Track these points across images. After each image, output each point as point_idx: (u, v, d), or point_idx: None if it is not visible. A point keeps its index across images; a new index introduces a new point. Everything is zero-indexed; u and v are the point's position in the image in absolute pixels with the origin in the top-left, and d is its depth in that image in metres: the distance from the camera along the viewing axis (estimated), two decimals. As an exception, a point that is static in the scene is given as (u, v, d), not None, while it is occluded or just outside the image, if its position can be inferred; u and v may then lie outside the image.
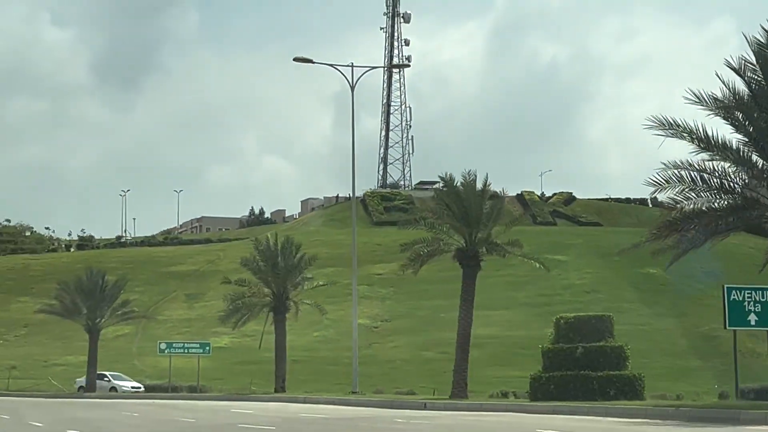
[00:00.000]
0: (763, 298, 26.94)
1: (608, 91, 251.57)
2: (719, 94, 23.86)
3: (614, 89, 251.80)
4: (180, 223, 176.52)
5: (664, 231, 23.97)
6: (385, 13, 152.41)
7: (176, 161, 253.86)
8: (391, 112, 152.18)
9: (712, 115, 23.70)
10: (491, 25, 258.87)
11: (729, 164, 23.91)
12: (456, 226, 38.51)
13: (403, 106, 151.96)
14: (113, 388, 61.39)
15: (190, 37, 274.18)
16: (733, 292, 26.91)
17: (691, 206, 23.88)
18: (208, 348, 62.14)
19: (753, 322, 27.34)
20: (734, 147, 23.90)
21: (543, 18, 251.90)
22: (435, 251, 39.13)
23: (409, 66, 50.32)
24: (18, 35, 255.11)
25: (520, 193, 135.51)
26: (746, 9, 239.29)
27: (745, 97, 23.64)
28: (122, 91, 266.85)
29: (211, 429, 24.90)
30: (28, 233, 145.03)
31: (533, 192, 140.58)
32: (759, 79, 23.61)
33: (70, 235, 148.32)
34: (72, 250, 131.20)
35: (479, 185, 38.84)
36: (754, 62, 23.53)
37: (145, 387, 62.04)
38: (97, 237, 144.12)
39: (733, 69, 23.64)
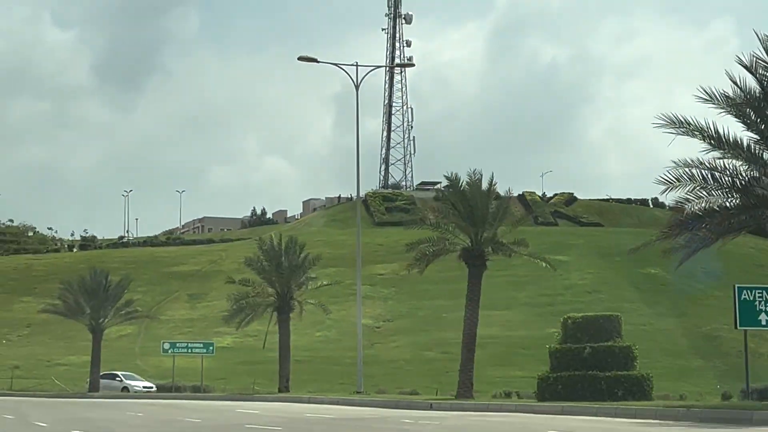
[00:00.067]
0: (774, 297, 26.70)
1: (608, 92, 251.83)
2: (729, 93, 23.66)
3: (614, 90, 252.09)
4: (182, 223, 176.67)
5: (675, 230, 23.76)
6: (386, 14, 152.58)
7: (178, 162, 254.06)
8: (393, 112, 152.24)
9: (724, 113, 23.52)
10: (491, 26, 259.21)
11: (741, 162, 23.70)
12: (462, 225, 38.33)
13: (404, 107, 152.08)
14: (125, 388, 60.77)
15: (192, 38, 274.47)
16: (744, 291, 26.70)
17: (703, 205, 23.67)
18: (211, 348, 62.01)
19: (764, 322, 27.15)
20: (745, 145, 23.70)
21: (543, 19, 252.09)
22: (441, 251, 38.95)
23: (413, 65, 50.34)
24: (20, 36, 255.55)
25: (521, 193, 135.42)
26: (746, 10, 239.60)
27: (757, 94, 23.43)
28: (124, 92, 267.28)
29: (218, 429, 24.71)
30: (30, 233, 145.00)
31: (534, 192, 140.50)
32: (771, 76, 23.38)
33: (72, 235, 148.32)
34: (74, 250, 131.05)
35: (485, 185, 38.67)
36: (766, 59, 23.30)
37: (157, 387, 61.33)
38: (99, 237, 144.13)
39: (745, 66, 23.42)
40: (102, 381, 62.38)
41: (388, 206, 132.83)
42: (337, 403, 40.33)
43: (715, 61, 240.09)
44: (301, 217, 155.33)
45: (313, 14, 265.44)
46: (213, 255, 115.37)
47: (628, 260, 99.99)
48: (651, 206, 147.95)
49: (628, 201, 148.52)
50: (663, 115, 23.63)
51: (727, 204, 23.61)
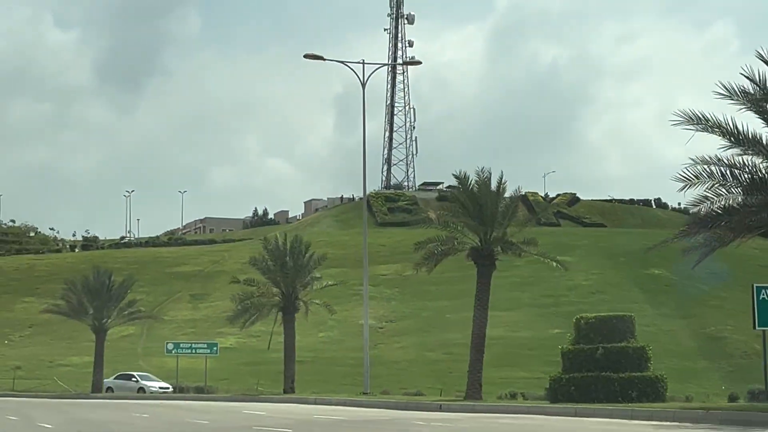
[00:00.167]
0: (793, 297, 26.21)
1: (608, 93, 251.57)
2: (748, 88, 23.22)
3: (614, 91, 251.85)
4: (183, 223, 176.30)
5: (694, 228, 23.31)
6: (389, 15, 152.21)
7: (179, 162, 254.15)
8: (395, 113, 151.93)
9: (744, 109, 23.07)
10: (492, 28, 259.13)
11: (761, 159, 23.27)
12: (471, 224, 37.92)
13: (406, 107, 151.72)
14: (141, 389, 59.80)
15: (193, 39, 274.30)
16: (763, 291, 26.21)
17: (722, 203, 23.22)
18: (215, 348, 61.55)
19: (783, 322, 26.59)
20: (765, 141, 23.25)
21: (543, 21, 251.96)
22: (449, 250, 38.55)
23: (420, 63, 50.03)
24: (21, 36, 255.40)
25: (523, 193, 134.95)
26: (746, 12, 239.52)
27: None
28: (125, 93, 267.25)
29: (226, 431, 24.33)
30: (32, 234, 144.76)
31: (537, 193, 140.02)
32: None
33: (74, 235, 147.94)
34: (76, 250, 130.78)
35: (494, 184, 38.27)
36: (788, 55, 22.87)
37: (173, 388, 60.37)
38: (101, 238, 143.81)
39: (765, 61, 22.99)
40: (117, 382, 61.65)
41: (390, 207, 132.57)
42: (344, 404, 39.92)
43: (716, 62, 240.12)
44: (302, 217, 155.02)
45: (314, 15, 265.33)
46: (215, 255, 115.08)
47: (633, 261, 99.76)
48: (654, 207, 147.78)
49: (631, 201, 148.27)
50: (680, 111, 23.26)
51: (748, 201, 23.15)
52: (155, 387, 59.93)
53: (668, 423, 22.94)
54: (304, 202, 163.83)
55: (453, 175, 38.47)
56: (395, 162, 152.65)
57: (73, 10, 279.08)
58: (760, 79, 23.12)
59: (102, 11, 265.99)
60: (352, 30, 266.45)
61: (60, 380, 69.37)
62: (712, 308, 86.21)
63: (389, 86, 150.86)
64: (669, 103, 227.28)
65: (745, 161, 23.37)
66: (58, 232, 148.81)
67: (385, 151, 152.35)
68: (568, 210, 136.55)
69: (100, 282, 63.50)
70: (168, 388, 59.66)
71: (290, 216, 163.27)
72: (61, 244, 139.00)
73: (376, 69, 52.03)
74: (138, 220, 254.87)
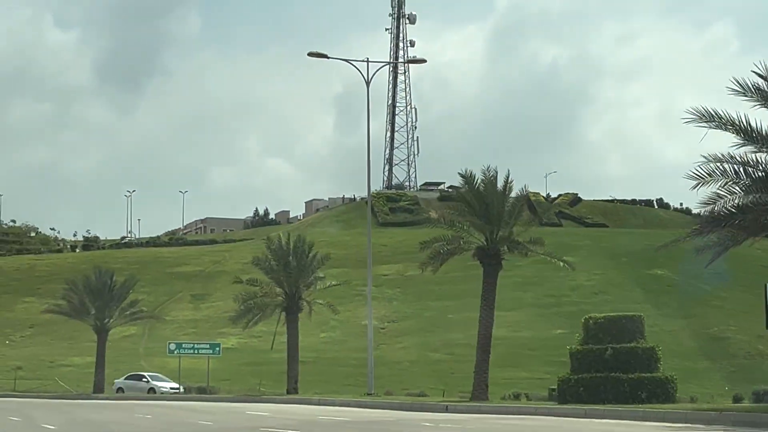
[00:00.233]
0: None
1: (609, 93, 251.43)
2: (762, 85, 22.88)
3: (614, 92, 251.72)
4: (184, 223, 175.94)
5: (707, 226, 22.95)
6: (390, 14, 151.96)
7: (179, 162, 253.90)
8: (396, 113, 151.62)
9: (758, 106, 22.72)
10: (492, 28, 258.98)
11: (775, 157, 22.94)
12: (477, 224, 37.59)
13: (408, 107, 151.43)
14: (152, 389, 58.97)
15: (193, 39, 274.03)
16: (774, 290, 25.88)
17: (736, 201, 22.85)
18: (218, 349, 61.22)
19: (795, 322, 26.23)
20: (779, 139, 22.93)
21: (543, 21, 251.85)
22: (455, 249, 38.21)
23: (425, 61, 49.70)
24: (21, 37, 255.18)
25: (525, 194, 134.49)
26: (746, 12, 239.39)
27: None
28: (125, 93, 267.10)
29: (233, 433, 24.03)
30: (33, 234, 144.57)
31: (538, 193, 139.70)
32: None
33: (75, 235, 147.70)
34: (77, 250, 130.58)
35: (500, 183, 37.95)
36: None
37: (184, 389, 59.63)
38: (102, 238, 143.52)
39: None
40: (128, 382, 60.90)
41: (391, 207, 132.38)
42: (348, 405, 39.58)
43: (715, 62, 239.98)
44: (303, 217, 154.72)
45: (315, 14, 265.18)
46: (216, 255, 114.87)
47: (635, 261, 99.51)
48: (656, 207, 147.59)
49: (633, 202, 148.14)
50: (693, 109, 22.93)
51: (761, 199, 22.79)
52: (166, 387, 59.06)
53: (680, 425, 22.58)
54: (305, 203, 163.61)
55: (459, 173, 38.18)
56: (396, 162, 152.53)
57: (73, 10, 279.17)
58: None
59: (102, 11, 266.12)
60: (353, 30, 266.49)
61: (61, 380, 69.10)
62: (714, 308, 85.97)
63: (390, 86, 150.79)
64: (669, 103, 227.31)
65: (759, 159, 23.04)
66: (58, 232, 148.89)
67: (387, 151, 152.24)
68: (569, 210, 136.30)
69: (102, 282, 63.19)
70: (178, 388, 58.92)
71: (291, 216, 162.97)
72: (61, 244, 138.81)
73: (381, 67, 51.73)
74: (139, 220, 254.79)
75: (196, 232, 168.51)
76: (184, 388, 58.83)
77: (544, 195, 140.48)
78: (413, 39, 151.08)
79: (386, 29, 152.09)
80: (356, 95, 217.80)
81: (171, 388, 58.89)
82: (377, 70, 50.81)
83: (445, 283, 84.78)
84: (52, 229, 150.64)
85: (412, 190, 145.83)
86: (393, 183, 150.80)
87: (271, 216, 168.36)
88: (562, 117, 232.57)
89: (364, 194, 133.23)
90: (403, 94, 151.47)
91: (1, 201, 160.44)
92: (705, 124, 22.82)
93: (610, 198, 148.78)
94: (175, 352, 60.44)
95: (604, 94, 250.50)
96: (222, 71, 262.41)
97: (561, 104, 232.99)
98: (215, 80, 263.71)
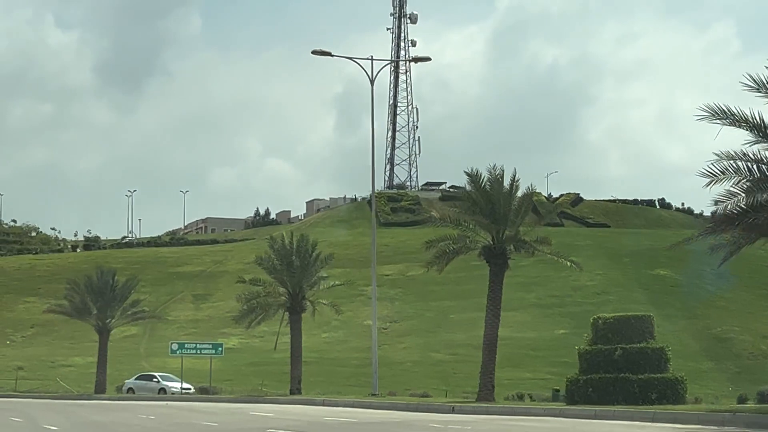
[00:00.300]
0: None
1: (609, 94, 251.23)
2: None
3: (615, 92, 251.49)
4: (185, 223, 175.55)
5: (721, 225, 22.57)
6: (391, 14, 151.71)
7: (180, 162, 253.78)
8: (398, 113, 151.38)
9: (769, 104, 22.33)
10: (493, 28, 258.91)
11: (789, 155, 22.56)
12: (483, 223, 37.21)
13: (409, 107, 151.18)
14: (162, 390, 58.40)
15: (193, 39, 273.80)
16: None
17: (750, 199, 22.47)
18: (220, 349, 60.93)
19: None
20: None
21: (544, 21, 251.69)
22: (461, 249, 37.85)
23: (429, 59, 49.24)
24: (22, 37, 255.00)
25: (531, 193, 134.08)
26: (746, 12, 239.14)
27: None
28: (126, 93, 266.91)
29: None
30: (34, 234, 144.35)
31: (540, 193, 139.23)
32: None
33: (76, 235, 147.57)
34: (78, 250, 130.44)
35: (506, 181, 37.60)
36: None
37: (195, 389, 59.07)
38: (102, 237, 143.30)
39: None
40: (138, 382, 60.44)
41: (393, 206, 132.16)
42: (353, 406, 39.23)
43: (716, 63, 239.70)
44: (305, 217, 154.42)
45: (316, 15, 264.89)
46: (217, 255, 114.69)
47: (637, 261, 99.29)
48: (657, 207, 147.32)
49: (634, 202, 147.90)
50: (706, 106, 22.58)
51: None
52: (177, 388, 58.40)
53: (692, 426, 22.23)
54: (306, 202, 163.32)
55: (465, 172, 37.78)
56: (398, 162, 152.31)
57: (73, 10, 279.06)
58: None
59: (103, 12, 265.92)
60: (354, 30, 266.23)
61: (62, 381, 68.86)
62: (717, 309, 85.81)
63: (392, 86, 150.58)
64: (670, 103, 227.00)
65: (771, 156, 22.67)
66: (59, 232, 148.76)
67: (388, 151, 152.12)
68: (571, 210, 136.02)
69: (104, 281, 62.91)
70: (189, 388, 58.32)
71: (292, 216, 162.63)
72: (62, 244, 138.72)
73: (385, 65, 51.70)
74: (140, 220, 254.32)
75: (197, 232, 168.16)
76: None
77: (546, 195, 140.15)
78: (415, 39, 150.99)
79: (387, 29, 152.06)
80: (356, 95, 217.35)
81: (183, 389, 58.05)
82: (381, 68, 50.69)
83: (446, 283, 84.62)
84: (53, 229, 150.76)
85: (413, 190, 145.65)
86: (394, 183, 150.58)
87: (272, 216, 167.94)
88: (562, 117, 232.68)
89: (365, 194, 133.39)
90: (405, 94, 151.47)
91: (2, 201, 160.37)
92: (718, 122, 22.47)
93: (611, 198, 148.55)
94: (178, 352, 60.09)
95: (605, 95, 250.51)
96: (223, 71, 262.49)
97: (562, 104, 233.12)
98: (216, 80, 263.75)
